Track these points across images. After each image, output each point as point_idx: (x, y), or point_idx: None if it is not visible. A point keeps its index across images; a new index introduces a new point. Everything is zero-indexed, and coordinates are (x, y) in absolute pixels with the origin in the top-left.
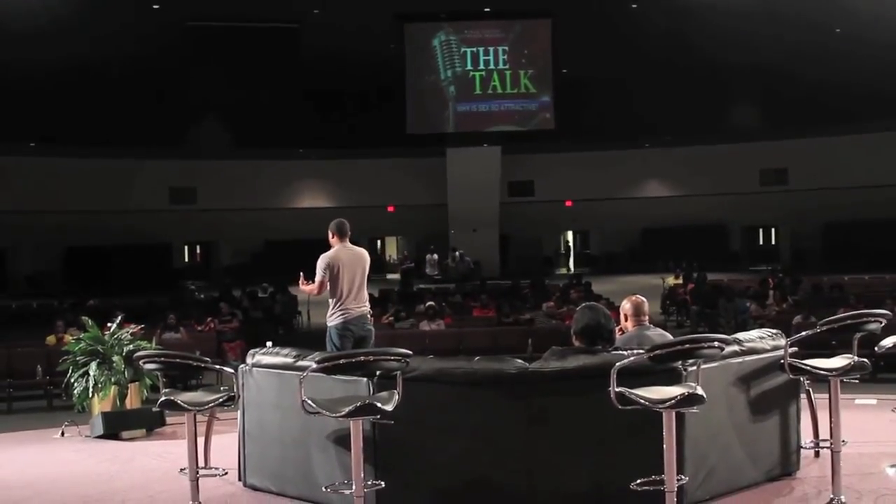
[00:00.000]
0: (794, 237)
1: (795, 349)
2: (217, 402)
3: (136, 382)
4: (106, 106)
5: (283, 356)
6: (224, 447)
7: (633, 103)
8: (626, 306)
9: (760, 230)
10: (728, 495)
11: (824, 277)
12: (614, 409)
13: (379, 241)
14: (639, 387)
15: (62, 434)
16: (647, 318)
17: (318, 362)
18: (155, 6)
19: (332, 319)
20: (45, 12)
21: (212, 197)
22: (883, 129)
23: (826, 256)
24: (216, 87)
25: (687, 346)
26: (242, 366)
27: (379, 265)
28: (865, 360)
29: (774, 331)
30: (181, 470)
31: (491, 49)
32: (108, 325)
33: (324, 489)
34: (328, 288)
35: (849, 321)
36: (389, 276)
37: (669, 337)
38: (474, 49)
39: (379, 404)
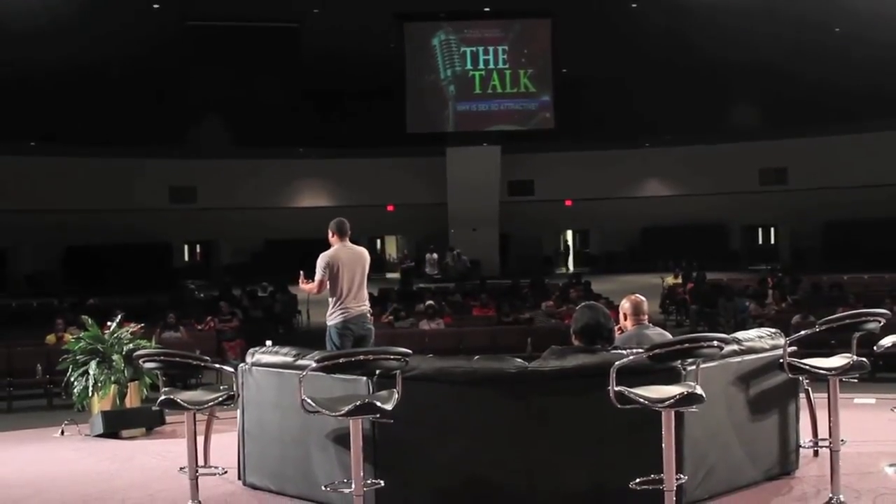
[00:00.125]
0: (794, 236)
1: (794, 348)
2: (217, 401)
3: (136, 381)
4: (106, 105)
5: (283, 355)
6: (224, 446)
7: (633, 102)
8: (625, 305)
9: (760, 229)
10: (727, 494)
11: (823, 277)
12: (614, 408)
13: (379, 241)
14: (638, 386)
15: (62, 433)
16: (646, 317)
17: (317, 361)
18: (155, 5)
19: (332, 318)
20: (45, 12)
21: (212, 196)
22: (883, 128)
23: (825, 256)
24: (216, 87)
25: (686, 345)
26: (242, 365)
27: (379, 264)
28: (864, 359)
29: (773, 330)
30: (181, 469)
31: (491, 48)
32: (108, 324)
33: (323, 488)
34: (328, 287)
35: (848, 320)
36: (389, 275)
37: (669, 336)
38: (474, 48)
39: (378, 403)
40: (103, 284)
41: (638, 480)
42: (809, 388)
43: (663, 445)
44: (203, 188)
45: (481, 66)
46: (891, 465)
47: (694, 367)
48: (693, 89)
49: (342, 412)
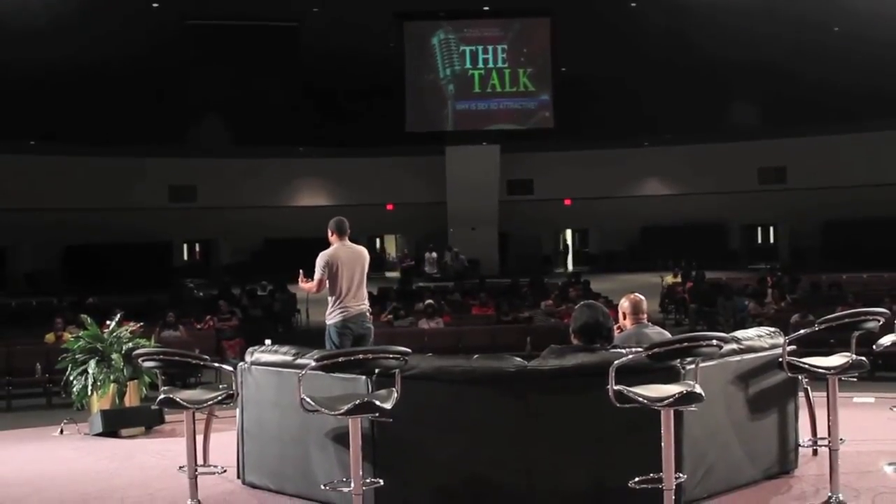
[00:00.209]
0: (793, 236)
1: (794, 347)
2: (216, 400)
3: (135, 380)
4: (106, 104)
5: (282, 354)
6: (223, 445)
7: (633, 102)
8: (624, 304)
9: (759, 228)
10: (726, 493)
11: (823, 276)
12: (613, 407)
13: (378, 240)
14: (637, 385)
15: (61, 432)
16: (645, 316)
17: (316, 360)
18: (155, 5)
19: (332, 317)
20: (45, 12)
21: (211, 195)
22: (882, 128)
23: (825, 255)
24: (216, 86)
25: (685, 344)
26: (241, 364)
27: (378, 263)
28: (863, 358)
29: (773, 329)
30: (180, 468)
31: (490, 47)
32: (108, 322)
33: (322, 487)
34: (327, 286)
35: (847, 319)
36: (389, 274)
37: (668, 335)
38: (473, 47)
39: (378, 402)
40: (103, 283)
41: (637, 479)
42: (808, 387)
43: (662, 444)
44: (203, 187)
45: (480, 65)
46: (890, 464)
47: (693, 366)
48: (693, 88)
49: (341, 411)
